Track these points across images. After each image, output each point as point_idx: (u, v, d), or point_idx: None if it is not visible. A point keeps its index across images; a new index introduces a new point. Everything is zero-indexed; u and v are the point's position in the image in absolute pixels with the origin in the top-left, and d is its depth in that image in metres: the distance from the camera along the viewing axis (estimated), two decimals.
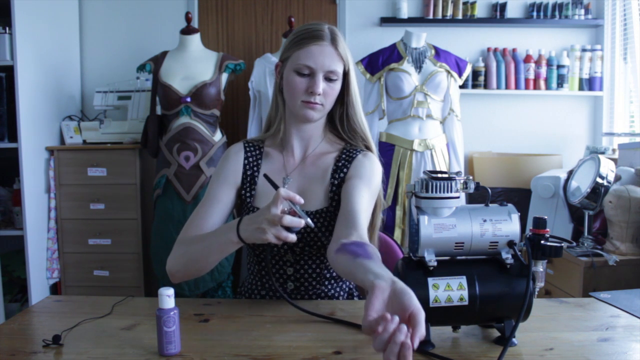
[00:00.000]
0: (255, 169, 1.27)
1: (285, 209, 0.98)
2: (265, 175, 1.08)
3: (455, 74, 2.85)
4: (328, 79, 1.20)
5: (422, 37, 2.86)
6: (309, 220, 0.98)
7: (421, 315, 0.72)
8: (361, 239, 1.01)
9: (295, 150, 1.28)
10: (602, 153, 2.83)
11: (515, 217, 0.95)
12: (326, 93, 1.20)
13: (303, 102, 1.20)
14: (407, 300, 0.74)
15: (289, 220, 0.95)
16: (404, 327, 0.70)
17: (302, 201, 0.99)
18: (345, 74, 1.24)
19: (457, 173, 0.96)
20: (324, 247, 1.23)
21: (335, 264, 1.00)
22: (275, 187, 1.02)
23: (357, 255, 0.92)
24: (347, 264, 0.93)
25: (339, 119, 1.30)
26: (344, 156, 1.27)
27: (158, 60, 2.73)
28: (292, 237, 0.98)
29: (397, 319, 0.71)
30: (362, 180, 1.20)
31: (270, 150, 1.30)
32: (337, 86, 1.22)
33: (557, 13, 3.18)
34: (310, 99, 1.19)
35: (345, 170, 1.24)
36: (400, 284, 0.78)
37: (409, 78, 2.77)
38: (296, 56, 1.19)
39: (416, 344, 0.70)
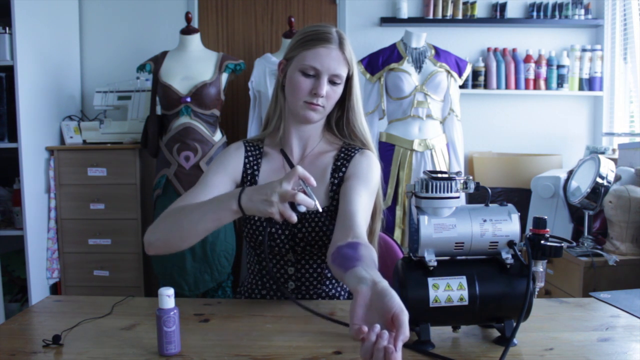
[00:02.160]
0: (255, 168, 1.27)
1: (297, 188, 0.97)
2: (282, 151, 1.08)
3: (455, 74, 2.85)
4: (332, 82, 1.20)
5: (422, 37, 2.86)
6: (317, 203, 0.96)
7: (403, 316, 0.72)
8: (357, 239, 1.00)
9: (294, 149, 1.28)
10: (602, 153, 2.83)
11: (515, 217, 0.95)
12: (329, 95, 1.21)
13: (305, 102, 1.20)
14: (389, 302, 0.74)
15: (301, 198, 0.94)
16: (385, 334, 0.71)
17: (315, 184, 0.98)
18: (349, 78, 1.24)
19: (457, 173, 0.96)
20: (325, 247, 1.23)
21: (332, 270, 1.00)
22: (291, 164, 1.01)
23: (347, 259, 0.91)
24: (339, 271, 0.93)
25: (337, 121, 1.31)
26: (342, 155, 1.27)
27: (158, 60, 2.73)
28: (294, 218, 0.96)
29: (377, 327, 0.72)
30: (359, 179, 1.20)
31: (270, 150, 1.30)
32: (340, 90, 1.23)
33: (557, 13, 3.18)
34: (313, 100, 1.19)
35: (344, 169, 1.24)
36: (382, 285, 0.78)
37: (409, 78, 2.77)
38: (302, 56, 1.19)
39: (399, 347, 0.70)
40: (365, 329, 0.71)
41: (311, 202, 0.95)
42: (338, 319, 1.05)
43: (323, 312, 1.09)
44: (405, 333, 0.71)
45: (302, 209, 0.96)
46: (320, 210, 0.97)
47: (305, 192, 0.97)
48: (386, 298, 0.75)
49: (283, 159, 1.28)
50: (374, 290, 0.77)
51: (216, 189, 1.20)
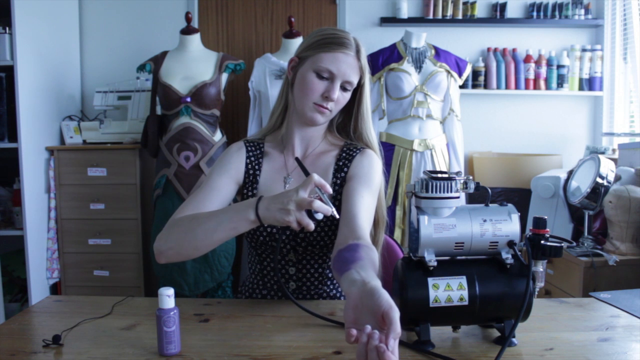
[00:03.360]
0: (256, 168, 1.27)
1: (313, 196, 0.97)
2: (297, 159, 1.08)
3: (455, 74, 2.85)
4: (342, 88, 1.21)
5: (422, 37, 2.86)
6: (334, 210, 0.96)
7: (392, 312, 0.71)
8: (358, 240, 1.00)
9: (296, 150, 1.28)
10: (602, 153, 2.83)
11: (515, 217, 0.95)
12: (338, 100, 1.21)
13: (315, 104, 1.20)
14: (378, 300, 0.74)
15: (318, 205, 0.93)
16: (376, 333, 0.70)
17: (330, 191, 0.98)
18: (359, 86, 1.25)
19: (457, 173, 0.96)
20: (327, 247, 1.23)
21: (334, 275, 1.01)
22: (307, 172, 1.01)
23: (343, 263, 0.92)
24: (337, 276, 0.93)
25: (339, 125, 1.32)
26: (344, 154, 1.27)
27: (158, 60, 2.73)
28: (312, 226, 0.96)
29: (367, 328, 0.71)
30: (361, 180, 1.20)
31: (271, 150, 1.30)
32: (348, 96, 1.23)
33: (557, 13, 3.18)
34: (323, 103, 1.19)
35: (345, 169, 1.24)
36: (371, 285, 0.78)
37: (409, 78, 2.77)
38: (319, 58, 1.18)
39: (391, 345, 0.69)
40: (354, 332, 0.71)
41: (328, 209, 0.95)
42: (337, 319, 1.05)
43: (323, 313, 1.09)
44: (396, 330, 0.70)
45: (320, 216, 0.96)
46: (338, 217, 0.97)
47: (321, 200, 0.96)
48: (375, 296, 0.75)
49: (284, 159, 1.28)
50: (363, 290, 0.78)
51: (221, 192, 1.20)
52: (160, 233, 1.12)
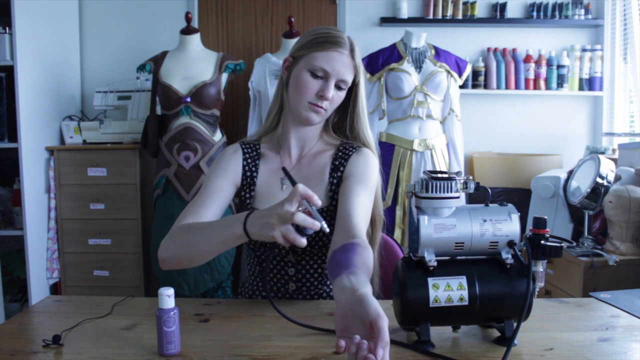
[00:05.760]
0: (253, 169, 1.27)
1: (301, 208, 0.90)
2: (284, 169, 1.06)
3: (455, 74, 2.85)
4: (337, 87, 1.20)
5: (422, 37, 2.86)
6: (324, 224, 0.88)
7: (380, 321, 0.70)
8: (353, 239, 0.99)
9: (292, 150, 1.28)
10: (602, 153, 2.83)
11: (515, 217, 0.95)
12: (332, 99, 1.20)
13: (310, 103, 1.19)
14: (366, 308, 0.73)
15: (301, 218, 0.86)
16: (364, 344, 0.70)
17: (319, 202, 0.90)
18: (354, 85, 1.24)
19: (457, 173, 0.96)
20: (325, 247, 1.23)
21: (328, 276, 1.00)
22: (293, 182, 0.96)
23: (335, 267, 0.90)
24: (331, 279, 0.91)
25: (335, 124, 1.31)
26: (340, 154, 1.27)
27: (158, 60, 2.73)
28: (302, 241, 0.88)
29: (356, 338, 0.71)
30: (357, 179, 1.19)
31: (267, 151, 1.29)
32: (343, 95, 1.23)
33: (557, 13, 3.18)
34: (318, 102, 1.19)
35: (342, 168, 1.24)
36: (360, 292, 0.77)
37: (409, 78, 2.77)
38: (313, 57, 1.18)
39: (380, 354, 0.68)
40: (342, 343, 0.70)
41: (314, 224, 0.87)
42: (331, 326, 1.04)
43: (323, 313, 1.09)
44: (385, 339, 0.69)
45: (310, 231, 0.88)
46: (327, 230, 0.89)
47: (310, 212, 0.90)
48: (363, 305, 0.74)
49: (280, 160, 1.27)
50: (352, 297, 0.77)
51: (219, 195, 1.20)
52: (163, 240, 1.13)
